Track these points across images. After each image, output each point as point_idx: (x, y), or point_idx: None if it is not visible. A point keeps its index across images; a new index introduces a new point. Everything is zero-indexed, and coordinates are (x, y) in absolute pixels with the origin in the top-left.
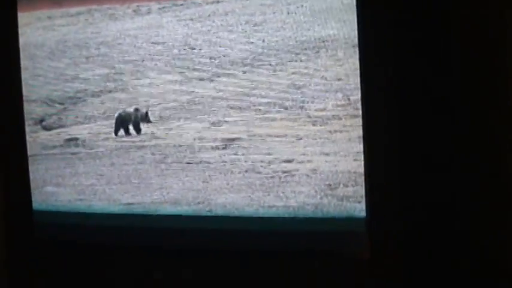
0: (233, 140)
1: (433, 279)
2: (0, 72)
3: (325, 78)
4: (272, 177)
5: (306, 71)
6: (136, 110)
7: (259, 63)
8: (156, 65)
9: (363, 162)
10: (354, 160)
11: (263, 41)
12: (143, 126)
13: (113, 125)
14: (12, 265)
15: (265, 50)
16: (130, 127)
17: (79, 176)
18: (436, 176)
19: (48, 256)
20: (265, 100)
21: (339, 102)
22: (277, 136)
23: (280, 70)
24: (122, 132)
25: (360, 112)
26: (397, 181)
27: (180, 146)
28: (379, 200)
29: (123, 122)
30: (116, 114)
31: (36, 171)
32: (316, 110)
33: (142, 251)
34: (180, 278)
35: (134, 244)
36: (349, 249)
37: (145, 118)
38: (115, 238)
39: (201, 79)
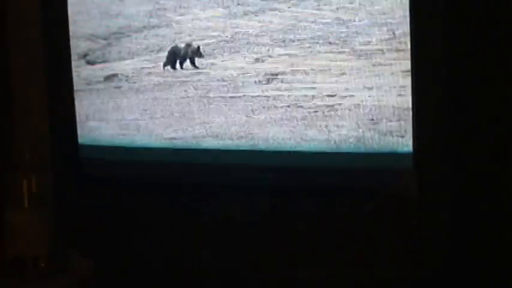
0: (276, 74)
1: (484, 216)
2: (47, 9)
3: (370, 13)
4: (315, 111)
5: (351, 5)
6: (188, 45)
7: None
8: (199, 0)
9: (406, 97)
10: (398, 95)
11: None
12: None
13: (164, 59)
14: (58, 198)
15: None
16: (178, 62)
17: (122, 110)
18: (486, 109)
19: (91, 190)
20: (309, 35)
21: (383, 37)
22: (321, 70)
23: (325, 4)
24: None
25: (405, 46)
26: (445, 116)
27: (224, 80)
28: (426, 136)
29: (174, 57)
30: (168, 49)
31: (80, 106)
32: (360, 44)
33: (184, 186)
34: (220, 212)
35: (175, 179)
36: (395, 186)
37: (197, 53)
38: (156, 173)
39: (246, 14)
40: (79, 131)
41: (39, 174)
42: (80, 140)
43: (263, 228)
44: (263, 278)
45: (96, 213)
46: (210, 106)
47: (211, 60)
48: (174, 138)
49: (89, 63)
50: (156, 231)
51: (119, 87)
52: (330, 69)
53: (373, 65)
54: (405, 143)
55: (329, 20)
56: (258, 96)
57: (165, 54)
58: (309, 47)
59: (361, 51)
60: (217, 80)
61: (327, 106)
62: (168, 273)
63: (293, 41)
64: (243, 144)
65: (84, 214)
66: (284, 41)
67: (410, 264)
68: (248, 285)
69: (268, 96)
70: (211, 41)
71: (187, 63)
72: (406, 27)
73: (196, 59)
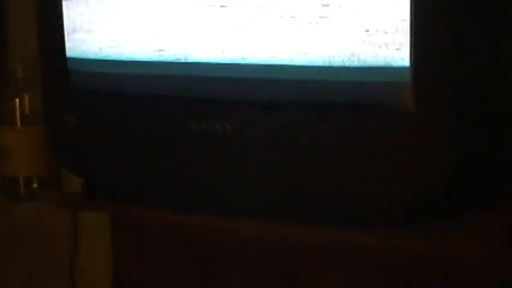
0: None
1: (484, 129)
2: None
3: None
4: (309, 22)
5: None
6: None
7: None
8: None
9: (403, 7)
10: (394, 6)
11: None
12: None
13: None
14: (47, 114)
15: None
16: None
17: (110, 21)
18: (489, 24)
19: (80, 104)
20: None
21: None
22: None
23: None
24: None
25: None
26: (445, 27)
27: None
28: (424, 48)
29: None
30: None
31: (67, 17)
32: None
33: (173, 99)
34: (211, 127)
35: (165, 92)
36: (392, 100)
37: None
38: (146, 86)
39: None
40: (66, 44)
41: (31, 92)
42: (67, 53)
43: (255, 142)
44: (259, 194)
45: (86, 128)
46: (200, 17)
47: None
48: (163, 50)
49: None
50: (145, 146)
51: None
52: None
53: None
54: (400, 56)
55: None
56: (249, 6)
57: None
58: None
59: None
60: None
61: (321, 17)
62: (158, 188)
63: None
64: (234, 56)
65: (74, 130)
66: None
67: (406, 180)
68: (244, 199)
69: (260, 7)
70: None
71: None
72: None
73: None
